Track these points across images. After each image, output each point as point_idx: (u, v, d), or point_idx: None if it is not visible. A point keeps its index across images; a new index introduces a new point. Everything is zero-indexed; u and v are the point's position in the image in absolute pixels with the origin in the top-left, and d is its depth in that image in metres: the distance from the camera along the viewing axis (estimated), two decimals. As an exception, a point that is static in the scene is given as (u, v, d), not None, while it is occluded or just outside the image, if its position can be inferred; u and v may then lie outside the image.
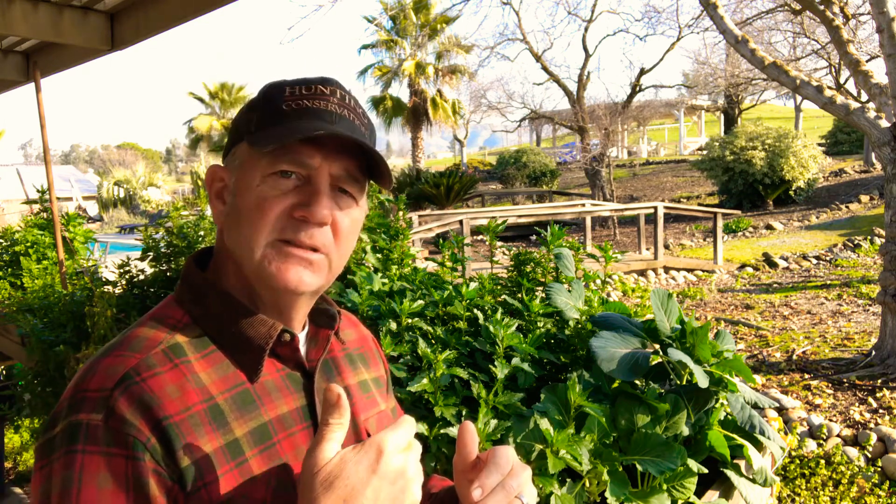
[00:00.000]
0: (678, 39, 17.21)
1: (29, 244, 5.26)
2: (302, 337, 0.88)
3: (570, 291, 2.32)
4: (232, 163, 0.84)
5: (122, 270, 3.81)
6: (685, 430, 1.85)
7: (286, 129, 0.79)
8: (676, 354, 1.88)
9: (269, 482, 0.77)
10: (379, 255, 2.78)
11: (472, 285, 2.40)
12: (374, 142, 0.87)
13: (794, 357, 5.78)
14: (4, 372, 5.21)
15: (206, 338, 0.80)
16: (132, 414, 0.70)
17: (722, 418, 2.00)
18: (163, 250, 3.73)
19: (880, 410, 4.47)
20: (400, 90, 27.01)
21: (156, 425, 0.70)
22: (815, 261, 10.94)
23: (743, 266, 11.15)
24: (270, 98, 0.82)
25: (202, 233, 3.76)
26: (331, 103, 0.82)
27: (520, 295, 2.49)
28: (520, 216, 12.18)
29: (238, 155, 0.83)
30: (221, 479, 0.73)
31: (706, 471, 1.79)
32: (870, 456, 4.00)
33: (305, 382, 0.86)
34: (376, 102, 26.18)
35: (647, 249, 11.95)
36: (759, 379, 5.22)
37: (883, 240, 6.64)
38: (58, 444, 0.70)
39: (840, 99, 5.51)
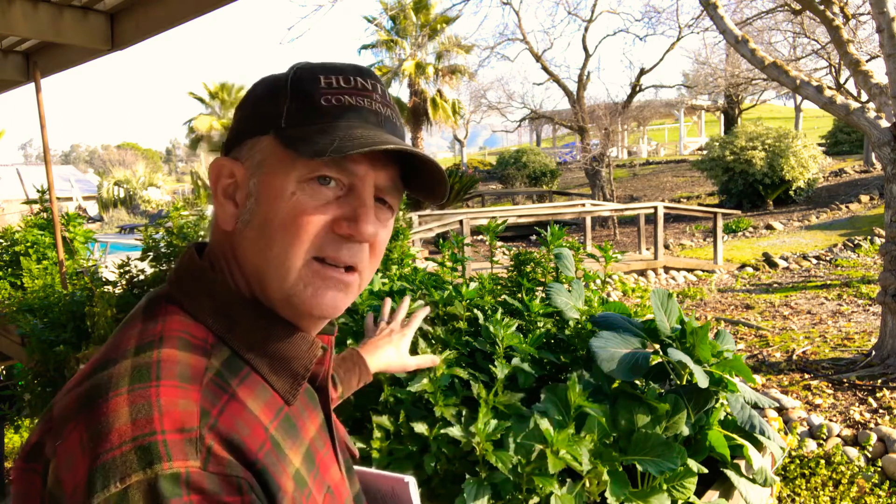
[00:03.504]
0: (678, 39, 17.21)
1: (29, 244, 5.26)
2: None
3: (570, 291, 2.32)
4: (249, 158, 0.72)
5: (122, 270, 3.81)
6: (685, 430, 1.85)
7: (334, 132, 0.68)
8: (676, 354, 1.88)
9: None
10: (379, 255, 2.77)
11: (472, 285, 2.40)
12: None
13: (794, 357, 5.77)
14: (4, 372, 5.21)
15: (237, 357, 0.69)
16: (230, 455, 0.60)
17: (722, 418, 2.00)
18: (163, 250, 3.73)
19: (880, 410, 4.46)
20: (400, 90, 27.00)
21: (250, 466, 0.61)
22: (815, 261, 10.94)
23: (743, 266, 11.15)
24: (303, 88, 0.71)
25: (202, 233, 3.76)
26: (374, 101, 0.72)
27: (520, 295, 2.49)
28: (520, 216, 12.18)
29: (260, 151, 0.71)
30: None
31: (706, 471, 1.79)
32: (870, 456, 4.00)
33: (320, 397, 0.81)
34: (376, 102, 26.18)
35: (647, 249, 11.95)
36: (759, 379, 5.22)
37: (883, 240, 6.64)
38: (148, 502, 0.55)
39: (840, 99, 5.51)
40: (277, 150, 0.70)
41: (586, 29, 17.95)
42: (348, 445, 0.89)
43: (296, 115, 0.70)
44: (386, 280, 2.54)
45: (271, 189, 0.69)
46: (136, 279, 3.83)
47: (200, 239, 3.69)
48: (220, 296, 0.71)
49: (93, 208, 32.91)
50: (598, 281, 2.66)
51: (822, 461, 3.94)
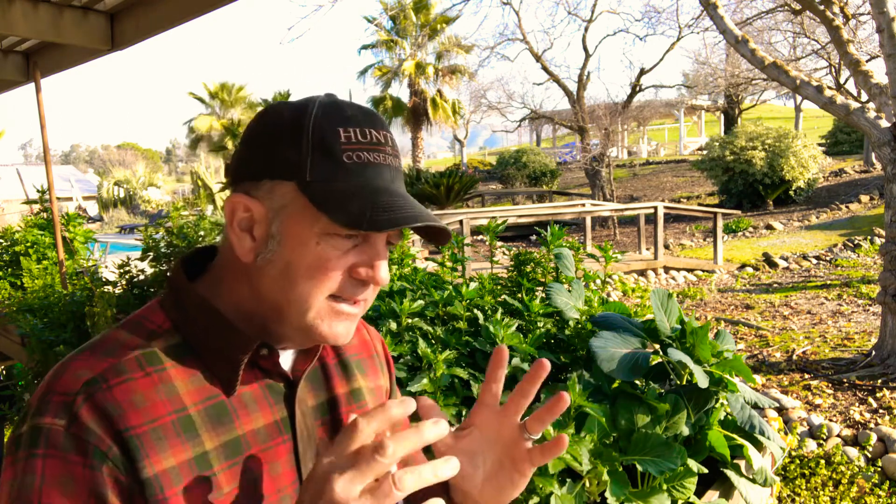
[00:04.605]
0: (678, 39, 17.20)
1: (29, 244, 5.26)
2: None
3: (570, 291, 2.31)
4: (269, 199, 0.77)
5: (122, 270, 3.82)
6: (685, 430, 1.85)
7: (361, 198, 0.74)
8: (676, 354, 1.88)
9: (238, 498, 0.76)
10: (379, 255, 2.78)
11: (472, 285, 2.40)
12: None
13: (794, 357, 5.77)
14: (4, 372, 5.21)
15: (186, 346, 0.78)
16: (94, 422, 0.69)
17: (722, 418, 2.00)
18: (163, 250, 3.73)
19: (880, 410, 4.46)
20: (400, 90, 27.13)
21: (117, 435, 0.69)
22: (815, 261, 10.94)
23: (743, 266, 11.15)
24: (324, 141, 0.75)
25: (202, 233, 3.76)
26: (387, 155, 0.78)
27: (520, 295, 2.49)
28: (520, 216, 12.17)
29: (282, 196, 0.76)
30: (185, 492, 0.72)
31: (706, 471, 1.79)
32: (870, 456, 4.00)
33: (287, 393, 0.84)
34: (376, 102, 26.20)
35: (647, 249, 11.95)
36: (759, 379, 5.22)
37: (883, 240, 6.64)
38: (23, 444, 0.70)
39: (840, 99, 5.51)
40: (302, 202, 0.75)
41: (586, 29, 17.94)
42: None
43: (320, 171, 0.75)
44: (386, 280, 2.54)
45: (295, 237, 0.76)
46: (136, 279, 3.83)
47: (201, 239, 3.69)
48: (180, 293, 0.82)
49: (93, 208, 32.93)
50: (598, 281, 2.66)
51: (822, 461, 3.94)
